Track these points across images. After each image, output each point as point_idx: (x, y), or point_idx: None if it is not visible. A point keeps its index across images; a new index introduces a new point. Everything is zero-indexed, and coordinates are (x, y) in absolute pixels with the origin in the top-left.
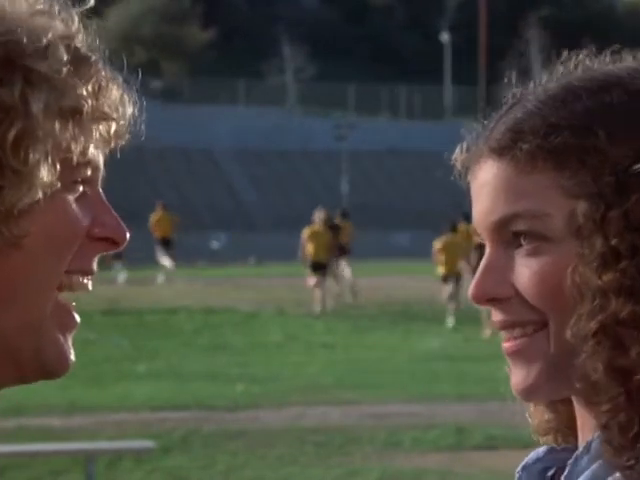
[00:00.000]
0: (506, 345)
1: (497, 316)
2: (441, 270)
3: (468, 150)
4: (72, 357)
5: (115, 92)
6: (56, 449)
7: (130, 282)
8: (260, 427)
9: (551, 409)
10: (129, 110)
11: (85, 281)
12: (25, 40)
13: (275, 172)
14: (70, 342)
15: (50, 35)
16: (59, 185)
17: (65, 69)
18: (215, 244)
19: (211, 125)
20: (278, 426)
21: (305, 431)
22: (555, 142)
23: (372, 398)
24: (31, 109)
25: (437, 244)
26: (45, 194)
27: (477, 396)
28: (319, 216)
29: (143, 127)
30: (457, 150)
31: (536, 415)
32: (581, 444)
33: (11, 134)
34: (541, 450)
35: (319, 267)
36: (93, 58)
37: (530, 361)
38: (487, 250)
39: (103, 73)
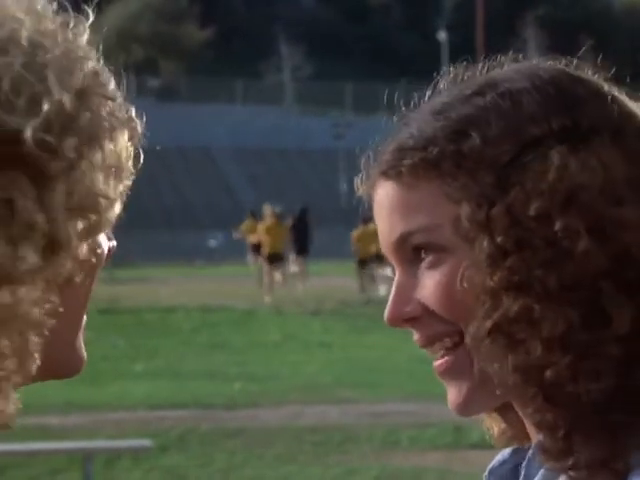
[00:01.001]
0: (435, 365)
1: (416, 335)
2: (357, 256)
3: (369, 175)
4: (84, 356)
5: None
6: (54, 448)
7: (128, 281)
8: (258, 426)
9: (504, 419)
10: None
11: None
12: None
13: (273, 171)
14: (82, 341)
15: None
16: None
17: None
18: (212, 243)
19: (209, 124)
20: (276, 425)
21: (303, 430)
22: (434, 152)
23: (370, 397)
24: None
25: (354, 234)
26: None
27: None
28: (267, 211)
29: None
30: (357, 179)
31: (494, 425)
32: (533, 446)
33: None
34: (506, 452)
35: (275, 258)
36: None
37: (458, 378)
38: (396, 272)
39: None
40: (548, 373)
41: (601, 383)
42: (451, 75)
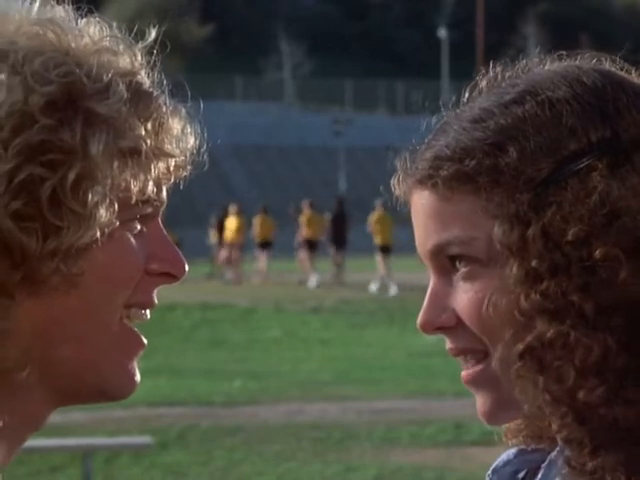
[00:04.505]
0: (462, 374)
1: (448, 344)
2: (259, 239)
3: (405, 180)
4: (137, 379)
5: (176, 126)
6: (54, 445)
7: None
8: (258, 423)
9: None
10: (190, 142)
11: (143, 312)
12: (86, 80)
13: (273, 168)
14: (135, 364)
15: (111, 73)
16: (117, 224)
17: (125, 109)
18: (212, 240)
19: (209, 121)
20: (276, 422)
21: (303, 427)
22: (470, 165)
23: (370, 394)
24: (90, 151)
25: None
26: (103, 233)
27: None
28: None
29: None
30: (394, 180)
31: None
32: (557, 451)
33: (71, 176)
34: (511, 452)
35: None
36: (154, 94)
37: (483, 389)
38: (431, 278)
39: (164, 109)
40: (581, 396)
41: (638, 409)
42: (491, 74)
